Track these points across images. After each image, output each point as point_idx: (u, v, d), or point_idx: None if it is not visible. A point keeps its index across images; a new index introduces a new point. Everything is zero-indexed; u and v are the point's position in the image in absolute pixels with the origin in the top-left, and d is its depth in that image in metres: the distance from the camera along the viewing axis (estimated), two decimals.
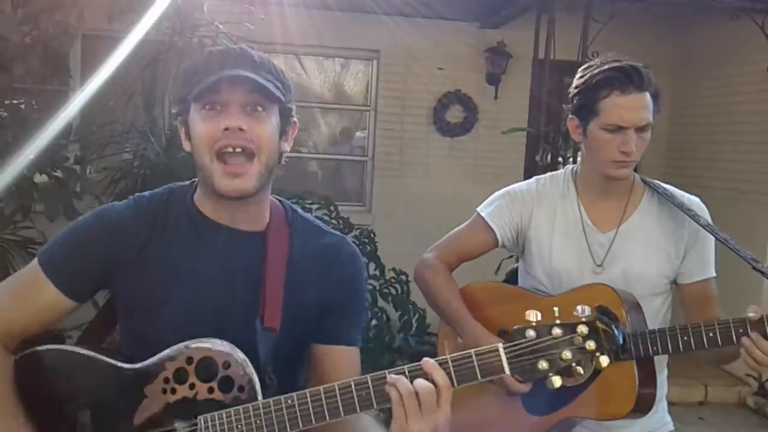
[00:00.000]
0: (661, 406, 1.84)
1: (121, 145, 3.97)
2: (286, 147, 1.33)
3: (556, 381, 1.12)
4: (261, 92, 1.24)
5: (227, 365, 1.21)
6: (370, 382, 1.16)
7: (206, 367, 1.21)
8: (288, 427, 1.17)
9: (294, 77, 6.06)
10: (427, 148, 6.09)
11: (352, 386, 1.17)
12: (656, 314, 1.80)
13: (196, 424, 1.20)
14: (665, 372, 1.87)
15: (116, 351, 1.33)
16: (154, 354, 1.24)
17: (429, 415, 1.12)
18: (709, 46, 5.70)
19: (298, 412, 1.17)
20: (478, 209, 1.92)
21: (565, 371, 1.11)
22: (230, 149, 1.22)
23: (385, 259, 4.57)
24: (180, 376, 1.22)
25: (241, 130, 1.21)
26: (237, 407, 1.19)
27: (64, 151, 3.64)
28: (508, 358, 1.13)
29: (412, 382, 1.13)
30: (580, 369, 1.11)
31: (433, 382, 1.13)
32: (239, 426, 1.18)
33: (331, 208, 4.61)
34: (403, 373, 1.15)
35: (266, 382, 1.24)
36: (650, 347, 1.65)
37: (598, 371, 1.67)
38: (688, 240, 1.79)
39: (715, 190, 5.39)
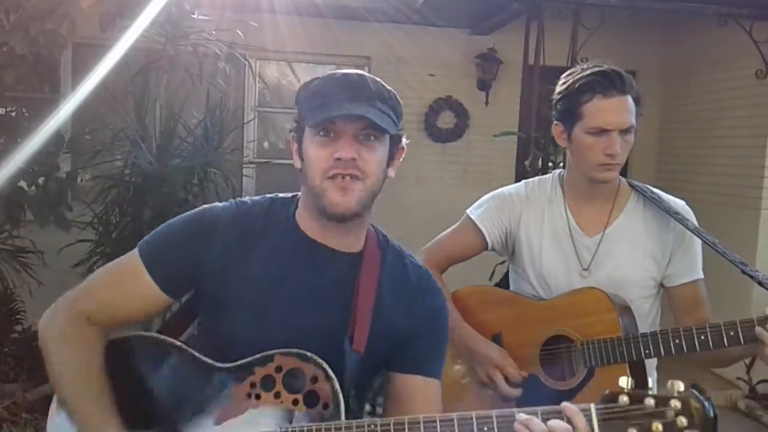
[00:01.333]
0: None
1: (111, 153, 3.96)
2: (392, 173, 1.37)
3: None
4: (375, 126, 1.27)
5: (315, 380, 1.22)
6: (456, 420, 1.15)
7: (294, 379, 1.23)
8: None
9: (286, 84, 6.08)
10: (419, 154, 6.11)
11: (455, 419, 1.16)
12: (645, 317, 1.81)
13: None
14: (655, 375, 1.89)
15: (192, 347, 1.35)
16: (234, 358, 1.26)
17: None
18: (698, 51, 5.75)
19: None
20: (468, 211, 1.95)
21: None
22: (340, 178, 1.26)
23: None
24: (267, 382, 1.24)
25: (353, 159, 1.25)
26: (320, 423, 1.20)
27: (54, 159, 3.63)
28: (598, 419, 1.12)
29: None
30: None
31: (572, 424, 1.12)
32: None
33: None
34: (535, 415, 1.14)
35: (350, 405, 1.25)
36: (642, 350, 1.66)
37: (591, 375, 1.70)
38: (673, 242, 1.81)
39: (704, 194, 5.43)
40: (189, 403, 1.27)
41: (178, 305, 1.47)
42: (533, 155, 4.83)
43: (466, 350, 1.82)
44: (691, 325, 1.69)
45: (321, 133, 1.27)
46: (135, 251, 1.34)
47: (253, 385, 1.24)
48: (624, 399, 1.10)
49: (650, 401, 1.09)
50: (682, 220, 1.76)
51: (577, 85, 1.72)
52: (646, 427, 1.08)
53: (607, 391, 1.13)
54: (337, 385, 1.22)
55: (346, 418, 1.21)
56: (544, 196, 1.89)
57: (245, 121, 5.45)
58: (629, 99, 1.70)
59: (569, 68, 1.84)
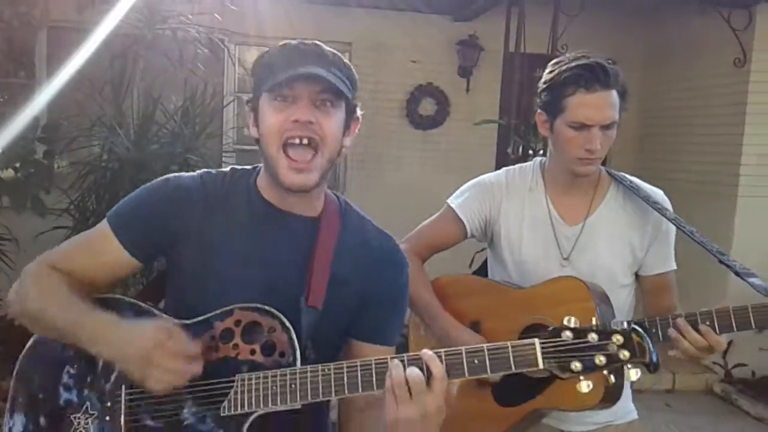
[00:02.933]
0: (625, 394, 1.88)
1: (89, 139, 3.91)
2: (348, 142, 1.38)
3: (585, 386, 1.13)
4: (332, 89, 1.29)
5: (272, 330, 1.26)
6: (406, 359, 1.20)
7: (252, 331, 1.27)
8: (321, 393, 1.21)
9: None
10: (400, 141, 6.10)
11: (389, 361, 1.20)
12: (622, 305, 1.83)
13: (233, 381, 1.25)
14: None
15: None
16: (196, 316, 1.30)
17: (418, 401, 1.15)
18: (678, 39, 5.79)
19: (333, 380, 1.21)
20: (449, 201, 1.94)
21: (596, 376, 1.13)
22: (297, 140, 1.28)
23: None
24: (226, 335, 1.28)
25: (310, 123, 1.27)
26: (275, 370, 1.23)
27: (30, 145, 3.58)
28: (543, 353, 1.15)
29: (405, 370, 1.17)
30: (612, 377, 1.13)
31: (428, 370, 1.16)
32: (274, 387, 1.22)
33: None
34: (402, 361, 1.19)
35: (306, 354, 1.28)
36: None
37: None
38: (651, 233, 1.83)
39: (683, 181, 5.48)
40: None
41: (155, 273, 1.51)
42: (513, 142, 4.84)
43: (446, 338, 1.82)
44: (658, 310, 1.73)
45: (278, 99, 1.29)
46: (104, 221, 1.38)
47: (212, 338, 1.27)
48: (568, 334, 1.14)
49: (593, 336, 1.13)
50: (660, 210, 1.78)
51: (561, 77, 1.71)
52: (589, 359, 1.12)
53: (551, 327, 1.15)
54: (293, 335, 1.25)
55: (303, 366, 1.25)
56: (525, 184, 1.89)
57: (224, 105, 5.40)
58: (613, 93, 1.70)
59: (549, 56, 1.84)
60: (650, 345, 1.12)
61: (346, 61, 1.38)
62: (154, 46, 3.81)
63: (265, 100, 1.31)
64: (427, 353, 1.18)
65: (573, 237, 1.82)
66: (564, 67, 1.72)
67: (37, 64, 5.04)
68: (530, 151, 4.89)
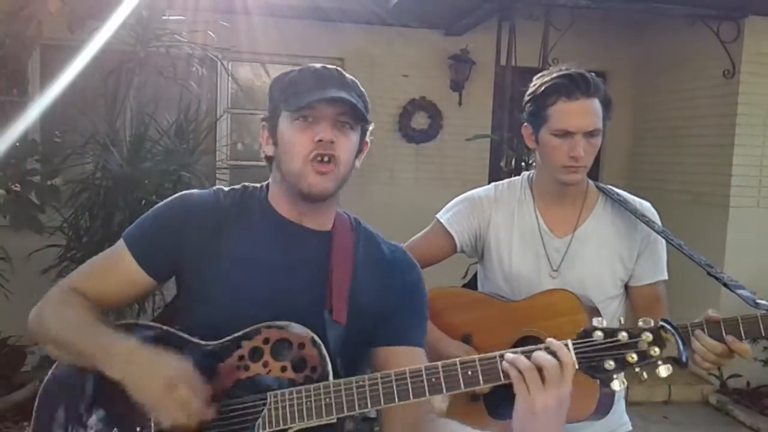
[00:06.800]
0: (619, 406, 1.88)
1: (82, 157, 3.91)
2: (357, 164, 1.45)
3: (617, 384, 1.16)
4: (352, 113, 1.35)
5: (302, 346, 1.27)
6: (440, 367, 1.20)
7: (282, 348, 1.27)
8: (357, 406, 1.21)
9: (260, 85, 6.05)
10: (393, 155, 6.12)
11: (439, 368, 1.20)
12: (612, 317, 1.83)
13: (265, 398, 1.24)
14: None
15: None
16: (218, 338, 1.31)
17: (552, 387, 1.15)
18: (667, 51, 5.84)
19: (368, 392, 1.21)
20: (438, 215, 1.96)
21: (629, 374, 1.16)
22: (320, 158, 1.33)
23: None
24: (255, 354, 1.28)
25: (331, 142, 1.33)
26: (308, 385, 1.23)
27: (24, 164, 3.58)
28: (576, 354, 1.16)
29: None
30: (644, 374, 1.15)
31: (557, 358, 1.16)
32: (308, 402, 1.22)
33: None
34: (515, 352, 1.18)
35: (337, 370, 1.27)
36: None
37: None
38: (640, 244, 1.84)
39: (674, 192, 5.51)
40: None
41: (174, 295, 1.51)
42: (507, 156, 4.86)
43: (433, 352, 1.81)
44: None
45: (300, 119, 1.34)
46: (120, 240, 1.40)
47: (241, 357, 1.28)
48: (599, 334, 1.16)
49: (623, 334, 1.16)
50: (648, 222, 1.79)
51: (543, 88, 1.75)
52: (621, 357, 1.15)
53: (582, 329, 1.18)
54: (324, 350, 1.26)
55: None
56: (514, 197, 1.90)
57: (217, 118, 5.39)
58: (595, 102, 1.73)
59: (540, 69, 1.86)
60: (679, 341, 1.14)
61: (362, 88, 1.42)
62: (147, 63, 3.82)
63: (285, 119, 1.36)
64: (555, 342, 1.18)
65: (562, 249, 1.83)
66: (546, 79, 1.76)
67: (30, 82, 5.05)
68: (523, 164, 4.92)
